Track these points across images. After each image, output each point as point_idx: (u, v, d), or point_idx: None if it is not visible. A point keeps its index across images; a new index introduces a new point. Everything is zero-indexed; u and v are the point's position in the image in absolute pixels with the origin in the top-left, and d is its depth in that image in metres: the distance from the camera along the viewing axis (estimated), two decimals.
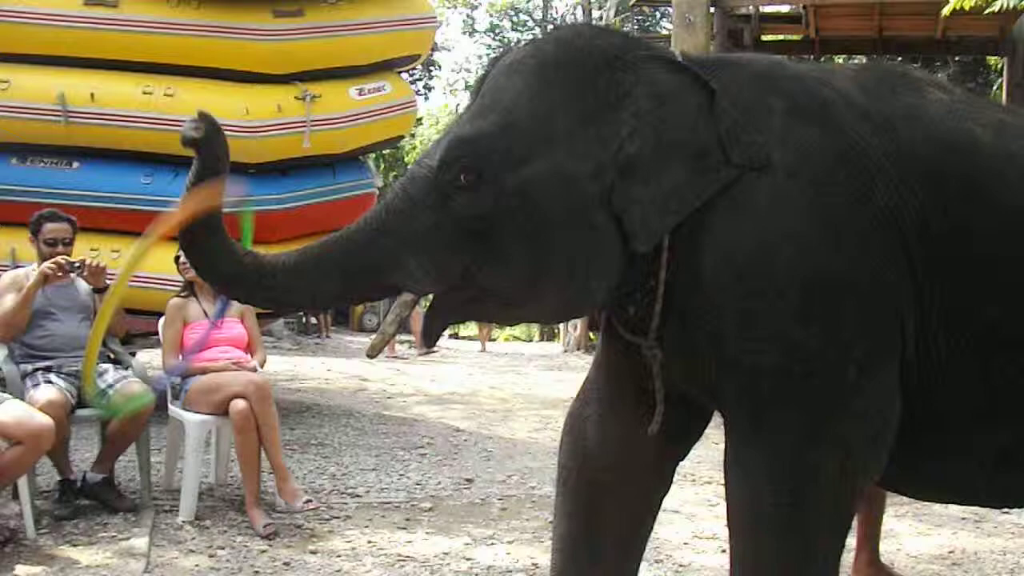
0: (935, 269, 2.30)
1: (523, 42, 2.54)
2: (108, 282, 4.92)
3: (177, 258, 5.04)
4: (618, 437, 2.68)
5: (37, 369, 4.73)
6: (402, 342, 12.59)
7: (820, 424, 2.29)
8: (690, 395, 2.53)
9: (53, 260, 4.70)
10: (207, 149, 2.33)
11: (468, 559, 4.25)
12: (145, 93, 6.67)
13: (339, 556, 4.27)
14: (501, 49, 30.92)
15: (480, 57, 32.27)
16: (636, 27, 24.34)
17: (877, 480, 2.45)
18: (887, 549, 4.16)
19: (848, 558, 3.98)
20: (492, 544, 4.47)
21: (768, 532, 2.35)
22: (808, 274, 2.27)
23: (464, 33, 31.60)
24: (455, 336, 18.82)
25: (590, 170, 2.30)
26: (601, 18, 18.24)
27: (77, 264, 4.76)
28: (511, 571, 4.11)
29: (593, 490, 2.73)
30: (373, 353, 2.49)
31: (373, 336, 2.50)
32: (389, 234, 2.35)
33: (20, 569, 3.97)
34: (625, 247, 2.33)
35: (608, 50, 2.39)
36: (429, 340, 2.46)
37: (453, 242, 2.32)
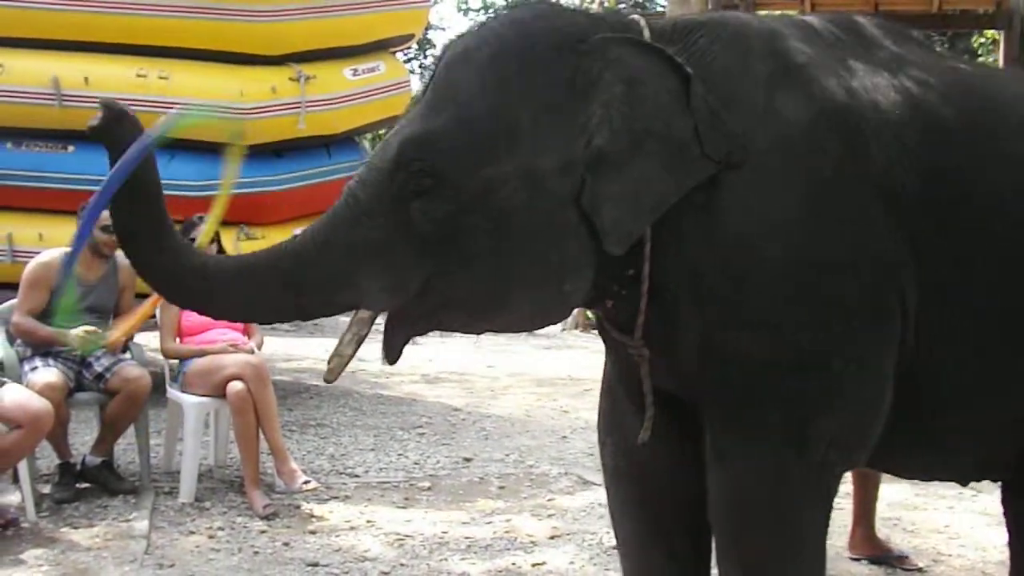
0: (935, 236, 2.20)
1: (476, 25, 2.31)
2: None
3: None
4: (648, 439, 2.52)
5: (35, 353, 4.74)
6: None
7: (807, 419, 2.20)
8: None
9: (90, 332, 4.64)
10: (108, 139, 2.12)
11: (467, 537, 4.27)
12: (139, 76, 6.64)
13: (338, 535, 4.30)
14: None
15: None
16: (632, 3, 24.23)
17: (878, 466, 2.42)
18: (883, 524, 4.19)
19: (845, 535, 4.01)
20: (491, 522, 4.49)
21: (754, 528, 2.28)
22: (796, 259, 2.14)
23: (459, 11, 31.47)
24: None
25: (558, 166, 2.12)
26: None
27: (103, 343, 4.74)
28: (510, 549, 4.13)
29: (646, 487, 2.59)
30: (331, 378, 2.23)
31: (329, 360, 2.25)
32: (339, 246, 2.15)
33: (20, 552, 3.99)
34: (600, 246, 2.16)
35: (571, 33, 2.19)
36: (391, 355, 2.24)
37: (410, 252, 2.13)
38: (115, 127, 2.13)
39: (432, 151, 2.12)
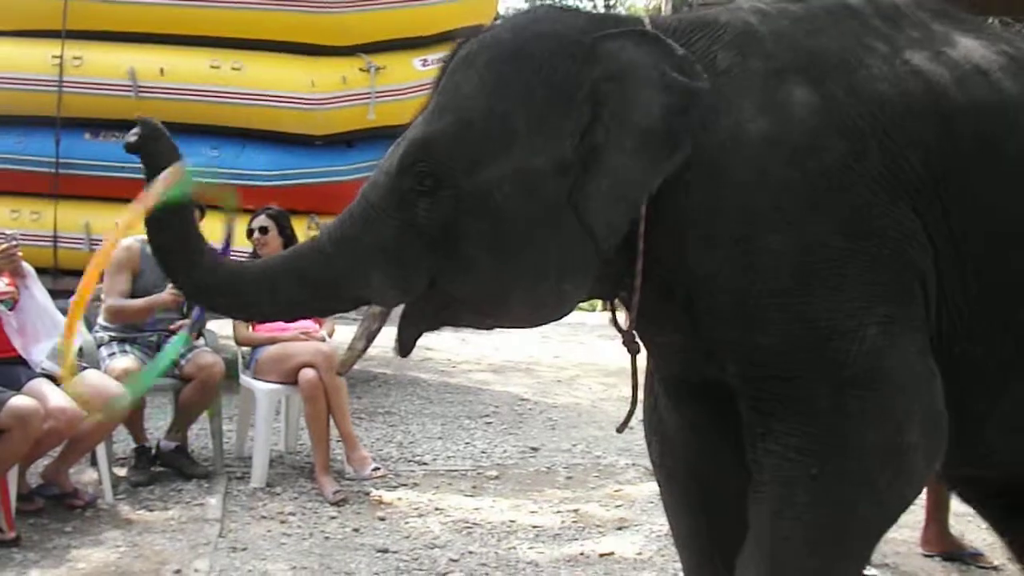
0: (948, 221, 2.16)
1: (484, 30, 2.32)
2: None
3: (250, 231, 5.12)
4: (689, 435, 2.53)
5: (113, 339, 4.85)
6: None
7: (858, 399, 2.12)
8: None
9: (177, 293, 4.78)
10: (147, 152, 2.23)
11: (535, 526, 4.29)
12: (213, 67, 6.76)
13: (407, 522, 4.34)
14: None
15: None
16: None
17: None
18: (957, 521, 4.11)
19: (918, 531, 3.95)
20: (558, 512, 4.51)
21: (793, 528, 2.19)
22: (799, 247, 2.12)
23: (526, 1, 31.41)
24: None
25: (552, 168, 2.14)
26: None
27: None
28: (578, 538, 4.14)
29: (698, 484, 2.56)
30: (343, 370, 2.38)
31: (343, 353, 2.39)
32: (351, 244, 2.24)
33: (99, 533, 4.09)
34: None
35: (568, 34, 2.20)
36: (403, 349, 2.32)
37: (416, 251, 2.19)
38: (152, 144, 2.23)
39: (433, 154, 2.18)
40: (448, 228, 2.17)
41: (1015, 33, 2.47)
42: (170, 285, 4.66)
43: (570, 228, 2.15)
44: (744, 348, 2.19)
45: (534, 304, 2.27)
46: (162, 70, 6.75)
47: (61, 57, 6.73)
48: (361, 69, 6.85)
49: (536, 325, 2.43)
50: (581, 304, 2.40)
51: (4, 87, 6.86)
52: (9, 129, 6.93)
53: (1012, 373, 2.27)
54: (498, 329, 2.56)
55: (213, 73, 6.74)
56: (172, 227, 2.25)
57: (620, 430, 2.47)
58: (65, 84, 6.74)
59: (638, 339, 2.41)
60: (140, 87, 6.73)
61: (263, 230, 5.10)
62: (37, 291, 4.36)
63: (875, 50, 2.25)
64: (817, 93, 2.18)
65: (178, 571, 3.70)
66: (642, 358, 2.43)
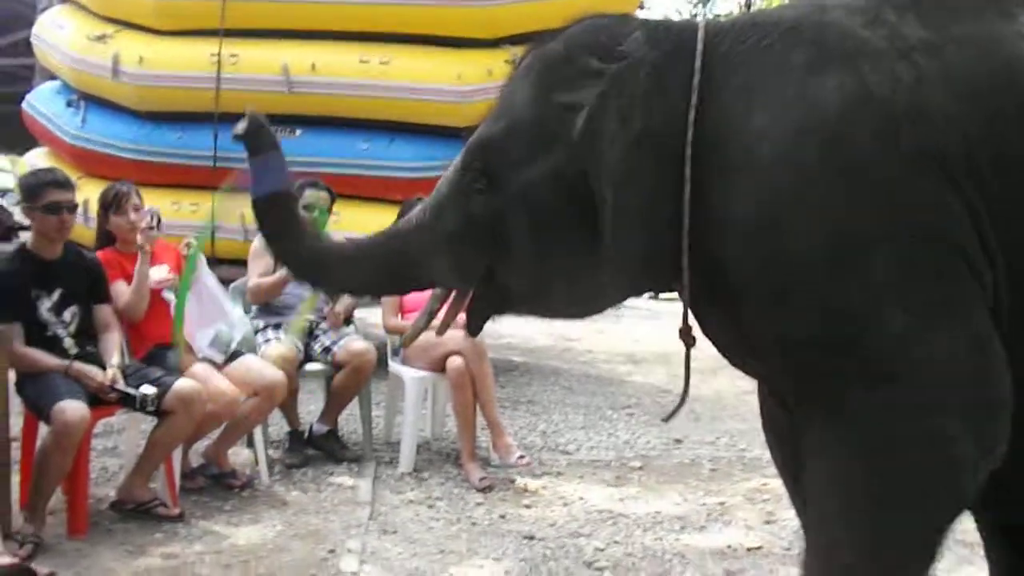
0: (998, 205, 2.05)
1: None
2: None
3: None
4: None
5: (267, 326, 5.03)
6: None
7: (888, 390, 2.06)
8: None
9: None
10: (252, 140, 2.50)
11: (680, 518, 4.27)
12: (362, 62, 6.92)
13: (552, 510, 4.38)
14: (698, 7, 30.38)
15: (679, 13, 31.68)
16: None
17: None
18: None
19: None
20: (704, 504, 4.47)
21: (849, 526, 2.14)
22: (829, 233, 2.08)
23: None
24: (655, 297, 18.59)
25: (584, 170, 2.25)
26: None
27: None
28: (724, 532, 4.11)
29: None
30: (406, 343, 2.83)
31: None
32: (423, 233, 2.47)
33: (257, 512, 4.26)
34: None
35: (607, 41, 2.29)
36: (472, 330, 2.59)
37: (474, 242, 2.40)
38: (256, 135, 2.50)
39: (486, 154, 2.38)
40: (499, 222, 2.36)
41: None
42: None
43: (600, 227, 2.24)
44: (776, 343, 2.18)
45: (574, 297, 2.43)
46: (313, 65, 6.94)
47: (219, 55, 6.99)
48: (507, 61, 6.88)
49: (582, 317, 2.60)
50: None
51: (167, 84, 7.18)
52: (171, 124, 7.24)
53: None
54: (552, 319, 2.75)
55: (362, 67, 6.90)
56: (277, 215, 2.52)
57: (666, 420, 2.62)
58: (222, 80, 6.99)
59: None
60: (293, 82, 6.94)
61: None
62: (207, 277, 4.55)
63: (923, 34, 2.16)
64: (853, 77, 2.13)
65: (332, 550, 3.82)
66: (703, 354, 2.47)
